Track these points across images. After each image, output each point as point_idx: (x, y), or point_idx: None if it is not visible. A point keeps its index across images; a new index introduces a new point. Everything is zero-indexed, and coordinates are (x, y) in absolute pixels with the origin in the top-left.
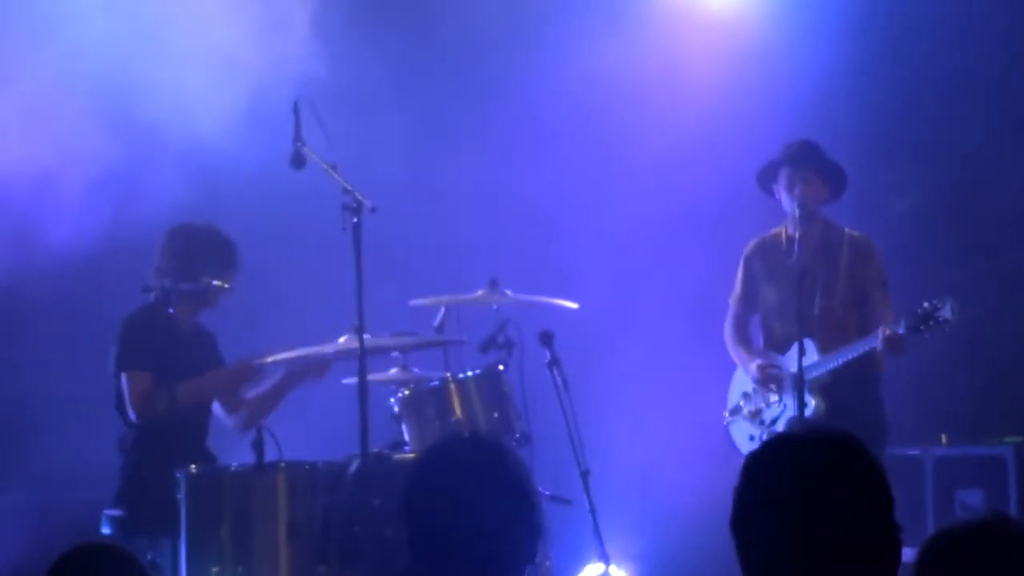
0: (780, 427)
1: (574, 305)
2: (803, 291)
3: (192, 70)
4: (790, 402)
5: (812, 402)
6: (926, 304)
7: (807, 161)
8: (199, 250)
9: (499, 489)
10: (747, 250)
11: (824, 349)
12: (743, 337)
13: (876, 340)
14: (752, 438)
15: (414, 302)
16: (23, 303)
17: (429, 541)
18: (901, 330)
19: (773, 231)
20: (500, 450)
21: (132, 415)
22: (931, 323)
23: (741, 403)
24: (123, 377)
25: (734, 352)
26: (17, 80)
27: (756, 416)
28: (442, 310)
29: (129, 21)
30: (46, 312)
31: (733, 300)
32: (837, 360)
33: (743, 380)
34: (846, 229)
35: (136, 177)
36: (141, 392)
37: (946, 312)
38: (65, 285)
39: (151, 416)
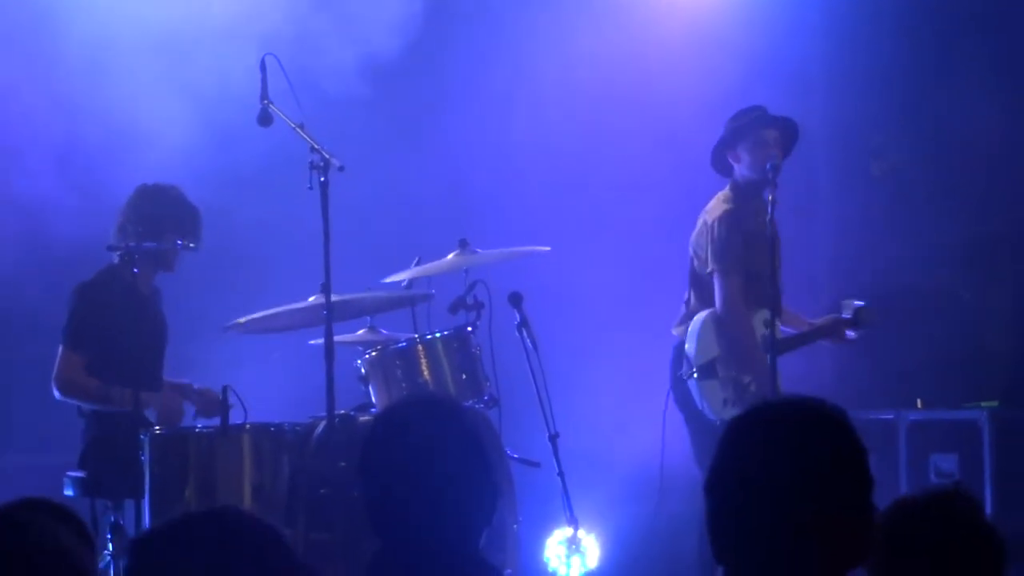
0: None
1: (545, 248)
2: (774, 260)
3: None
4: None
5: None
6: (858, 304)
7: (767, 117)
8: (165, 210)
9: (453, 449)
10: (732, 215)
11: (781, 323)
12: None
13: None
14: (727, 402)
15: (389, 279)
16: None
17: (384, 502)
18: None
19: (728, 196)
20: (454, 410)
21: (54, 389)
22: (865, 322)
23: (716, 358)
24: (59, 349)
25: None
26: None
27: (733, 379)
28: (411, 268)
29: None
30: (4, 272)
31: (733, 268)
32: (804, 340)
33: (715, 334)
34: None
35: (102, 148)
36: (66, 376)
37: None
38: (29, 246)
39: (67, 398)
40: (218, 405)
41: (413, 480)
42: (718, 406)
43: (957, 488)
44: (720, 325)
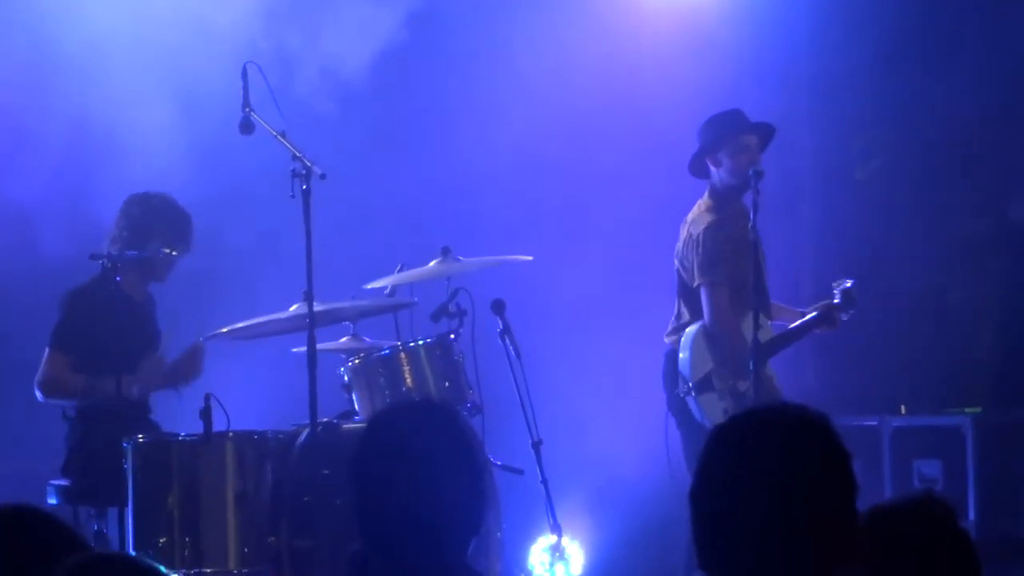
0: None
1: (528, 258)
2: (760, 263)
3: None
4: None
5: (774, 377)
6: (847, 284)
7: (746, 122)
8: (151, 219)
9: (447, 455)
10: (719, 224)
11: (769, 322)
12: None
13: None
14: (726, 412)
15: (369, 285)
16: None
17: (375, 506)
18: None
19: (709, 204)
20: (450, 416)
21: (37, 391)
22: (851, 304)
23: (711, 371)
24: (46, 351)
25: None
26: None
27: (728, 388)
28: (393, 275)
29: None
30: None
31: (720, 279)
32: (799, 334)
33: (706, 347)
34: None
35: (91, 156)
36: (51, 376)
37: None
38: (16, 253)
39: (51, 399)
40: (199, 361)
41: (404, 487)
42: (719, 417)
43: (931, 494)
44: (710, 337)
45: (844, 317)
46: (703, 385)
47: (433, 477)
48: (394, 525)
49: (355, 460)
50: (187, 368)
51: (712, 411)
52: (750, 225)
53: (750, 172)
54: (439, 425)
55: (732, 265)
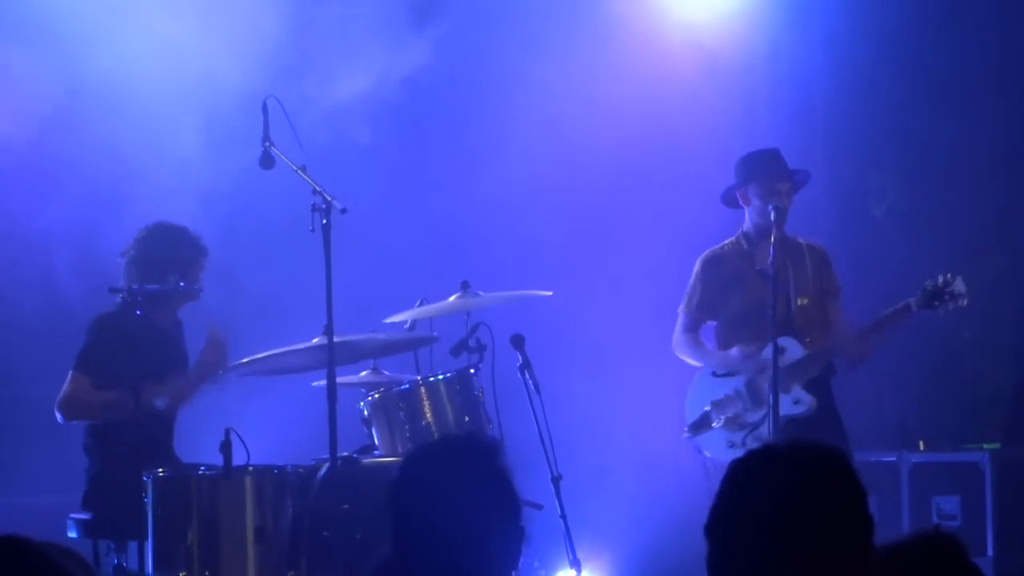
0: (765, 429)
1: (548, 293)
2: (778, 291)
3: (164, 80)
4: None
5: (808, 398)
6: (940, 279)
7: (782, 168)
8: (164, 250)
9: (487, 491)
10: (705, 259)
11: (808, 345)
12: (699, 340)
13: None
14: (733, 444)
15: (389, 319)
16: None
17: (415, 540)
18: (913, 307)
19: (728, 241)
20: (490, 451)
21: (57, 412)
22: (945, 298)
23: (709, 410)
24: (69, 373)
25: (695, 353)
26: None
27: (735, 421)
28: (414, 309)
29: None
30: (12, 313)
31: (686, 308)
32: (827, 353)
33: (705, 389)
34: (799, 237)
35: (115, 188)
36: (72, 395)
37: (959, 286)
38: (35, 287)
39: (71, 419)
40: (222, 348)
41: (444, 523)
42: (722, 451)
43: (939, 529)
44: (699, 377)
45: (950, 308)
46: (698, 425)
47: (474, 513)
48: (434, 561)
49: (394, 495)
50: (211, 357)
51: (715, 447)
52: (770, 259)
53: (769, 207)
54: (480, 461)
55: (735, 296)
